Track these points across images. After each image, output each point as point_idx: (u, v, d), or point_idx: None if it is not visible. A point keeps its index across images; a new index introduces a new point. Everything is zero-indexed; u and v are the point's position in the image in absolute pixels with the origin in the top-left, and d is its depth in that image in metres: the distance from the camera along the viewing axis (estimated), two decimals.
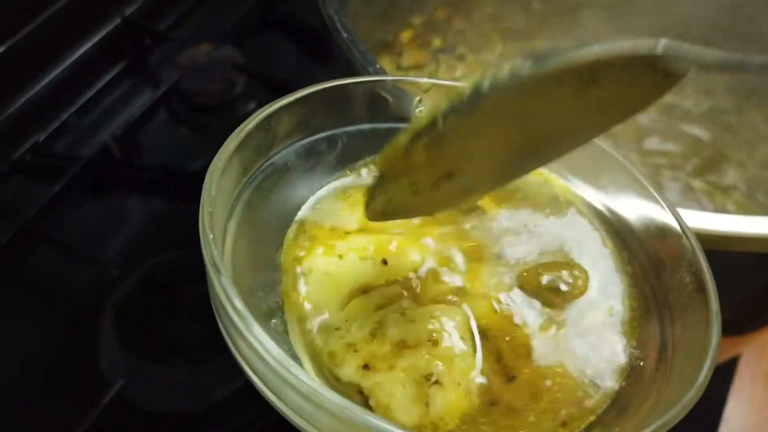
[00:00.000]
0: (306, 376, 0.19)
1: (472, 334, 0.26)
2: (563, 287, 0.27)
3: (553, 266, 0.28)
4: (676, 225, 0.26)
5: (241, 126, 0.26)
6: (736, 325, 0.50)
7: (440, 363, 0.24)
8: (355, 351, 0.24)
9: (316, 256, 0.27)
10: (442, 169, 0.23)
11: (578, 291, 0.27)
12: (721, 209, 0.52)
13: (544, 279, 0.27)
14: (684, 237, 0.26)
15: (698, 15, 0.60)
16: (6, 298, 0.52)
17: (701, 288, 0.24)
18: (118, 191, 0.60)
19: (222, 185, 0.24)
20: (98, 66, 0.66)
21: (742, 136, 0.57)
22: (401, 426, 0.22)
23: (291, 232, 0.28)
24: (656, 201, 0.27)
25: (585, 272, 0.28)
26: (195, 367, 0.47)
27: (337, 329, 0.25)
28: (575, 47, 0.19)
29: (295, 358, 0.25)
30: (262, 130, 0.26)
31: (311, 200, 0.29)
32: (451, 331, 0.25)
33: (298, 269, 0.27)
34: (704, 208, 0.52)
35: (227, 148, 0.24)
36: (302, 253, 0.27)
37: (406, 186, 0.23)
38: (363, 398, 0.24)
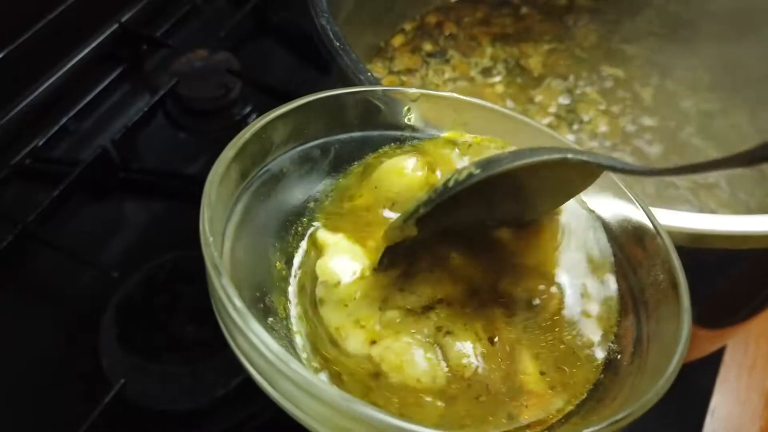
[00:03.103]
0: (303, 369, 0.21)
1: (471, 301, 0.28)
2: (536, 302, 0.28)
3: (532, 278, 0.29)
4: (650, 225, 0.28)
5: (239, 135, 0.27)
6: (720, 318, 0.51)
7: (447, 313, 0.26)
8: (362, 326, 0.26)
9: (338, 230, 0.29)
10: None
11: (551, 310, 0.28)
12: (704, 206, 0.53)
13: (521, 290, 0.28)
14: (658, 236, 0.27)
15: None
16: (7, 301, 0.53)
17: (674, 285, 0.25)
18: (117, 195, 0.61)
19: (221, 191, 0.25)
20: (96, 71, 0.67)
21: (727, 136, 0.58)
22: (389, 414, 0.23)
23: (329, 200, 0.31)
24: (632, 202, 0.28)
25: (561, 292, 0.29)
26: (194, 365, 0.48)
27: (345, 305, 0.27)
28: (511, 157, 0.26)
29: (291, 347, 0.26)
30: (259, 139, 0.28)
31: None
32: (453, 295, 0.27)
33: (326, 239, 0.29)
34: (688, 204, 0.53)
35: (226, 157, 0.26)
36: (322, 227, 0.30)
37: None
38: (372, 369, 0.25)
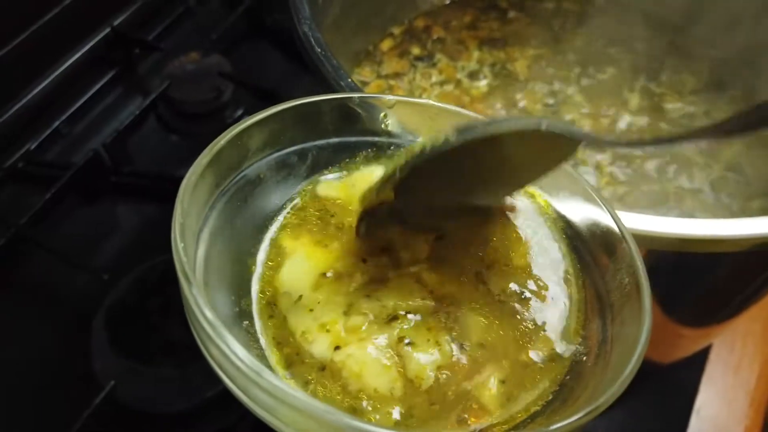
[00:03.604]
0: (275, 378, 0.21)
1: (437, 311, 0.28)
2: (527, 295, 0.29)
3: (521, 273, 0.30)
4: (617, 230, 0.28)
5: (214, 142, 0.27)
6: (705, 317, 0.52)
7: (411, 323, 0.27)
8: (327, 331, 0.26)
9: (304, 235, 0.30)
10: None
11: (538, 300, 0.29)
12: (689, 210, 0.53)
13: (511, 284, 0.29)
14: (624, 241, 0.27)
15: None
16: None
17: (637, 288, 0.26)
18: (109, 198, 0.61)
19: (195, 198, 0.26)
20: (88, 75, 0.68)
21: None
22: (355, 417, 0.23)
23: (286, 213, 0.31)
24: (600, 206, 0.29)
25: (546, 286, 0.30)
26: (184, 367, 0.49)
27: (311, 310, 0.27)
28: (485, 125, 0.26)
29: (263, 357, 0.26)
30: (234, 146, 0.28)
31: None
32: (418, 306, 0.28)
33: (284, 248, 0.29)
34: (672, 209, 0.54)
35: (200, 164, 0.26)
36: (289, 232, 0.30)
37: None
38: (333, 373, 0.26)
